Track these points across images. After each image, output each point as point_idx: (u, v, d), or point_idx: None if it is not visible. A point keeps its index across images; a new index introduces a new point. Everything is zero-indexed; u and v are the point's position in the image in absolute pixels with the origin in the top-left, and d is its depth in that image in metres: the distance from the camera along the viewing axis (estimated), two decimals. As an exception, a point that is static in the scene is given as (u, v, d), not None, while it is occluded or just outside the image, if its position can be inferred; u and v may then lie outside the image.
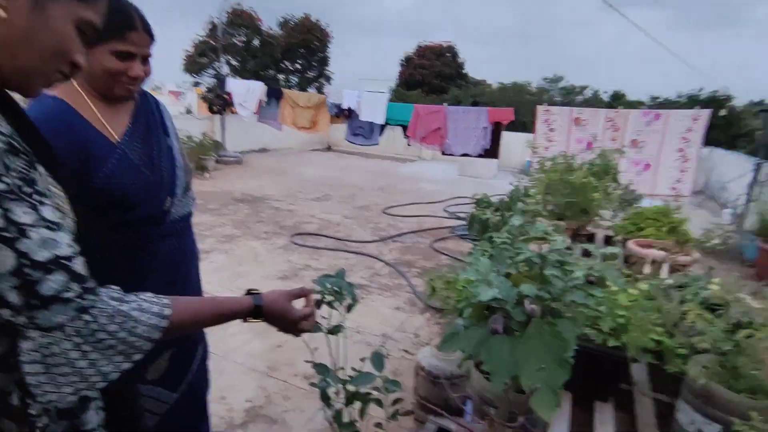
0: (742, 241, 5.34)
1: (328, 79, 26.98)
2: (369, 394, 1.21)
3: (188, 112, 10.66)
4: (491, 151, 7.90)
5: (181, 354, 1.45)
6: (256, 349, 2.63)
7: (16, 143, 0.60)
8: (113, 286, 0.70)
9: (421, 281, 3.85)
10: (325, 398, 1.20)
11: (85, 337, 0.62)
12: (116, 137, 1.19)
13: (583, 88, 26.97)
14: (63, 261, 0.60)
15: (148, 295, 0.72)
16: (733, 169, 7.96)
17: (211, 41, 12.02)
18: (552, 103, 8.91)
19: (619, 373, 2.12)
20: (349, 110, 8.50)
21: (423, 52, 30.14)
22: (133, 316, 0.67)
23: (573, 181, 3.88)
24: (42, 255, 0.58)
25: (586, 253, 3.98)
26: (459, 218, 6.14)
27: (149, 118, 1.30)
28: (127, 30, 1.11)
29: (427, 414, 2.08)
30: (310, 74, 26.66)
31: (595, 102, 23.69)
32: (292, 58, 26.00)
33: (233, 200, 6.32)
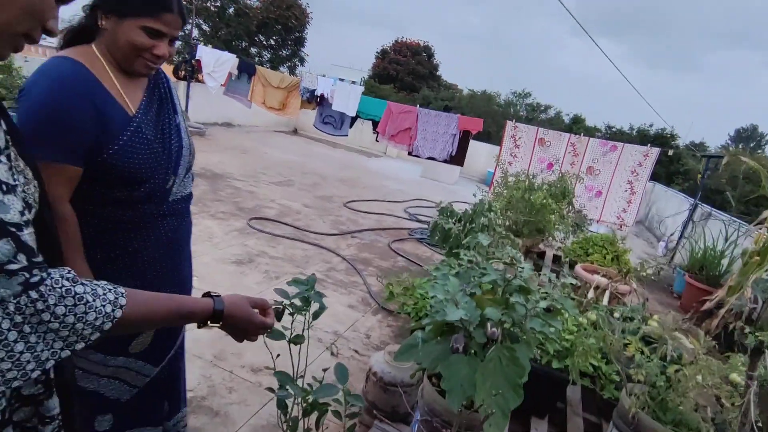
0: (673, 274, 5.76)
1: (302, 60, 26.39)
2: (327, 404, 1.21)
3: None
4: (456, 158, 8.04)
5: (165, 330, 1.37)
6: (203, 335, 2.55)
7: None
8: (66, 267, 0.64)
9: (377, 281, 3.87)
10: (282, 406, 1.19)
11: (27, 317, 0.57)
12: (133, 109, 1.14)
13: (548, 107, 27.99)
14: (10, 228, 0.55)
15: (104, 283, 0.67)
16: (672, 205, 8.56)
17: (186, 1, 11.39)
18: (518, 118, 9.19)
19: (557, 392, 2.24)
20: (322, 97, 8.37)
21: (400, 47, 30.15)
22: (86, 300, 0.62)
23: (534, 201, 4.02)
24: None
25: (538, 268, 4.14)
26: (418, 221, 6.22)
27: (161, 93, 1.26)
28: (162, 10, 1.08)
29: (373, 419, 2.11)
30: (284, 53, 25.96)
31: (557, 122, 24.65)
32: (267, 33, 25.19)
33: (191, 174, 6.07)
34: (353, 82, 9.19)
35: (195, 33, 21.22)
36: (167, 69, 10.35)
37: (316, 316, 1.31)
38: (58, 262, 0.70)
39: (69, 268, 0.64)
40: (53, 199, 1.06)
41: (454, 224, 3.41)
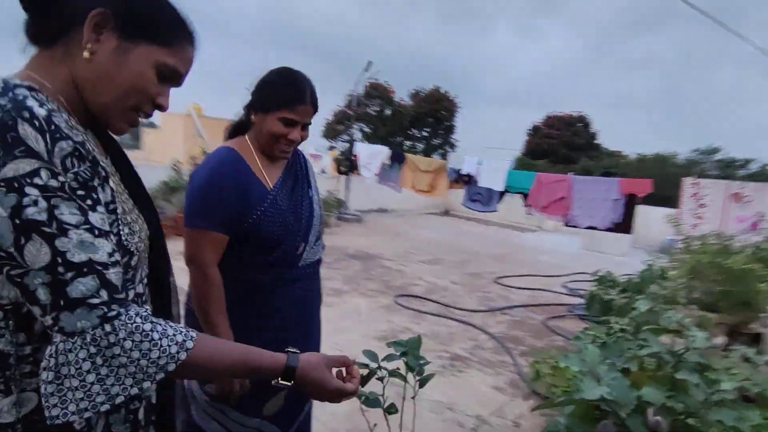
0: None
1: (452, 146, 27.74)
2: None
3: (323, 172, 11.76)
4: (623, 226, 7.11)
5: (295, 394, 1.43)
6: (338, 409, 2.54)
7: (84, 151, 0.63)
8: (146, 306, 0.68)
9: (528, 362, 3.44)
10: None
11: (101, 348, 0.60)
12: (270, 185, 1.33)
13: (748, 161, 23.40)
14: (97, 266, 0.60)
15: (177, 325, 0.69)
16: None
17: (348, 111, 13.27)
18: (704, 177, 7.81)
19: None
20: (469, 176, 8.49)
21: (552, 122, 29.49)
22: (152, 338, 0.64)
23: (730, 266, 3.22)
24: (78, 257, 0.58)
25: (746, 360, 3.20)
26: (580, 296, 5.51)
27: (298, 171, 1.44)
28: (297, 102, 1.28)
29: None
30: (436, 141, 27.71)
31: (762, 178, 20.34)
32: (420, 126, 27.44)
33: (347, 256, 6.56)
34: (502, 160, 9.15)
35: (358, 135, 24.27)
36: (335, 167, 11.85)
37: (423, 383, 1.18)
38: (162, 314, 0.77)
39: (147, 307, 0.69)
40: (203, 263, 1.24)
41: (617, 295, 2.91)
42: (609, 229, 7.20)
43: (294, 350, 0.83)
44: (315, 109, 1.33)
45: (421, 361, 1.10)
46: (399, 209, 12.24)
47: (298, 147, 1.45)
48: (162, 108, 0.76)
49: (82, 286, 0.59)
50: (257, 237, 1.27)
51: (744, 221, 5.67)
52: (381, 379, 1.04)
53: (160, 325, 0.66)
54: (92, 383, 0.60)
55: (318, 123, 24.52)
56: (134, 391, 0.63)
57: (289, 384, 0.80)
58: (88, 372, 0.60)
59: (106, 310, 0.61)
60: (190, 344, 0.68)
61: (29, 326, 0.64)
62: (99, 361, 0.61)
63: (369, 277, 5.54)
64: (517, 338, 3.97)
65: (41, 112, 0.60)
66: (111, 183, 0.69)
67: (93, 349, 0.60)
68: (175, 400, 0.88)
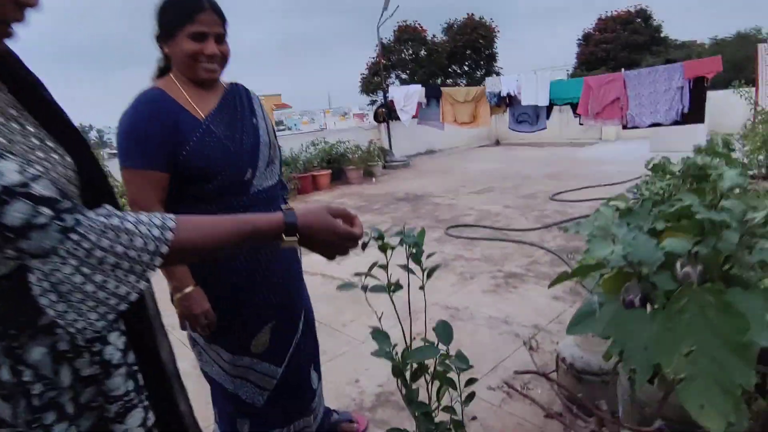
0: None
1: (498, 75, 26.17)
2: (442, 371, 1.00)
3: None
4: (692, 115, 6.39)
5: (281, 326, 1.47)
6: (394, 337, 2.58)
7: None
8: (104, 205, 0.66)
9: (589, 269, 3.28)
10: (398, 373, 1.04)
11: (81, 258, 0.59)
12: (203, 115, 1.29)
13: None
14: (16, 189, 0.56)
15: (151, 213, 0.68)
16: None
17: (382, 60, 12.87)
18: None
19: None
20: (510, 97, 7.99)
21: (605, 24, 26.75)
22: (127, 228, 0.62)
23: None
24: None
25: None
26: (648, 198, 5.12)
27: (237, 102, 1.39)
28: (195, 11, 1.21)
29: (576, 419, 1.70)
30: (479, 74, 26.28)
31: None
32: (459, 61, 26.09)
33: (395, 200, 6.54)
34: (543, 71, 8.46)
35: (396, 83, 23.61)
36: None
37: (431, 273, 1.14)
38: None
39: (105, 205, 0.66)
40: (145, 205, 1.21)
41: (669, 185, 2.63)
42: (677, 123, 6.51)
43: (288, 207, 0.81)
44: (219, 15, 1.25)
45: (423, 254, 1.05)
46: (446, 148, 11.92)
47: (237, 82, 1.42)
48: (32, 4, 0.66)
49: (16, 213, 0.56)
50: (196, 168, 1.23)
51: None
52: (384, 247, 0.99)
53: (129, 215, 0.65)
54: (95, 291, 0.61)
55: (355, 80, 24.06)
56: (142, 284, 0.64)
57: (294, 239, 0.77)
58: (84, 283, 0.60)
59: (60, 223, 0.58)
60: (171, 223, 0.67)
61: None
62: (87, 270, 0.60)
63: (418, 215, 5.50)
64: (576, 248, 3.78)
65: None
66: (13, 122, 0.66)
67: (74, 262, 0.59)
68: (154, 330, 0.86)
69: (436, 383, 1.03)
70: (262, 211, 1.39)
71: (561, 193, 5.84)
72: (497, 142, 13.00)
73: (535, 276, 3.32)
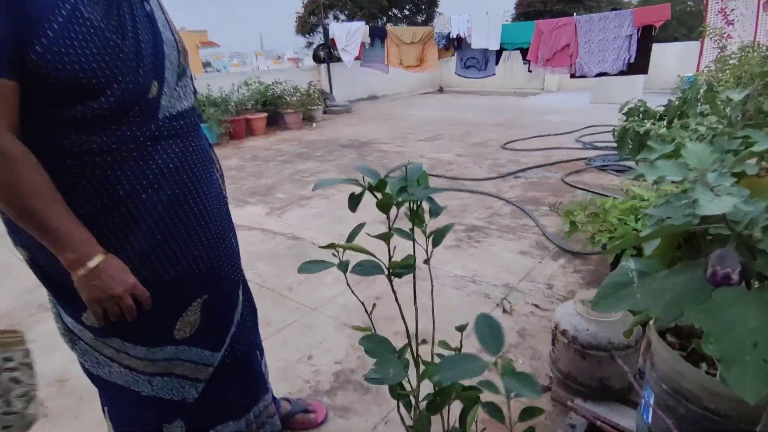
0: None
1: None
2: (476, 390, 0.66)
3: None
4: (637, 66, 6.36)
5: (215, 301, 1.05)
6: (351, 302, 2.24)
7: None
8: None
9: (552, 221, 3.10)
10: (396, 394, 0.68)
11: None
12: None
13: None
14: None
15: None
16: None
17: (317, -1, 11.77)
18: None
19: None
20: (459, 39, 7.56)
21: (543, -28, 26.43)
22: None
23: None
24: None
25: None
26: (596, 148, 5.06)
27: None
28: None
29: (572, 395, 1.48)
30: (420, 18, 25.28)
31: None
32: (400, 5, 24.85)
33: (339, 146, 6.04)
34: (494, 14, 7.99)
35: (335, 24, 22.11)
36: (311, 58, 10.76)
37: (438, 238, 0.76)
38: None
39: None
40: None
41: (655, 125, 2.43)
42: (622, 73, 6.47)
43: None
44: None
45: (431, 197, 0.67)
46: (390, 93, 11.38)
47: None
48: None
49: None
50: (68, 73, 0.75)
51: (778, 33, 4.94)
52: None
53: None
54: None
55: (289, 20, 22.20)
56: None
57: None
58: None
59: None
60: None
61: None
62: None
63: (365, 163, 5.08)
64: (535, 199, 3.59)
65: None
66: None
67: None
68: None
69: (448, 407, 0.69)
70: (180, 144, 0.93)
71: (512, 141, 5.65)
72: (441, 90, 12.63)
73: (498, 229, 3.08)
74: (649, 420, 1.16)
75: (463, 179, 4.24)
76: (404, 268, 0.65)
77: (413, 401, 0.67)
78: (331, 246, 0.66)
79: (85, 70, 0.77)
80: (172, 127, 0.90)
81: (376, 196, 0.64)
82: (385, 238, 0.61)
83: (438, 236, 0.71)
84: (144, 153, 0.87)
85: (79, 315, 0.93)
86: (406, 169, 0.67)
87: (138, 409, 1.07)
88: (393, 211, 0.68)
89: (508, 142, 5.60)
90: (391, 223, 0.64)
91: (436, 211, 0.68)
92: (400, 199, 0.65)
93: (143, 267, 0.91)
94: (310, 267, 0.66)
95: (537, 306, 2.15)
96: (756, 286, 0.75)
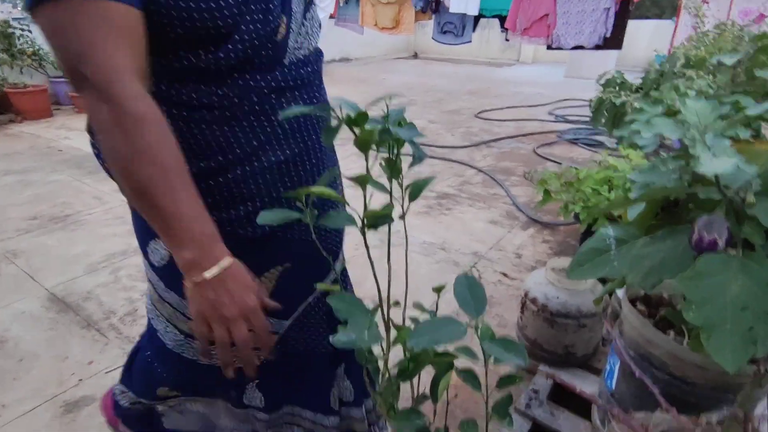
0: None
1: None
2: (449, 356, 0.60)
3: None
4: (612, 40, 6.36)
5: (298, 271, 0.88)
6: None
7: None
8: None
9: (523, 191, 3.09)
10: (363, 358, 0.62)
11: None
12: None
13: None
14: None
15: None
16: None
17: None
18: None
19: None
20: (437, 2, 7.32)
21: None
22: None
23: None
24: None
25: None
26: (568, 121, 5.08)
27: None
28: None
29: (537, 362, 1.48)
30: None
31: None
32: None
33: (309, 108, 5.84)
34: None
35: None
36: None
37: (416, 190, 0.69)
38: None
39: None
40: (107, 75, 0.55)
41: (631, 97, 2.41)
42: (597, 47, 6.47)
43: None
44: None
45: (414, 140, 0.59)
46: (363, 57, 11.04)
47: None
48: None
49: None
50: (191, 13, 0.60)
51: (749, 14, 5.01)
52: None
53: None
54: None
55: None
56: None
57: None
58: None
59: None
60: None
61: None
62: None
63: (336, 127, 4.93)
64: (507, 169, 3.57)
65: None
66: None
67: None
68: None
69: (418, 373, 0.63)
70: (307, 94, 0.79)
71: (486, 111, 5.60)
72: (416, 55, 12.35)
73: (469, 197, 3.05)
74: (613, 386, 1.16)
75: (436, 146, 4.17)
76: (382, 217, 0.58)
77: (382, 367, 0.61)
78: (298, 193, 0.58)
79: (211, 8, 0.61)
80: (299, 75, 0.75)
81: (354, 132, 0.56)
82: (363, 181, 0.53)
83: (416, 189, 0.64)
84: (266, 107, 0.72)
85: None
86: (387, 107, 0.58)
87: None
88: (372, 156, 0.60)
89: (481, 111, 5.55)
90: (368, 165, 0.56)
91: (419, 157, 0.60)
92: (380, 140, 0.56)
93: (242, 229, 0.77)
94: (272, 216, 0.58)
95: (505, 275, 2.14)
96: (741, 253, 0.72)
